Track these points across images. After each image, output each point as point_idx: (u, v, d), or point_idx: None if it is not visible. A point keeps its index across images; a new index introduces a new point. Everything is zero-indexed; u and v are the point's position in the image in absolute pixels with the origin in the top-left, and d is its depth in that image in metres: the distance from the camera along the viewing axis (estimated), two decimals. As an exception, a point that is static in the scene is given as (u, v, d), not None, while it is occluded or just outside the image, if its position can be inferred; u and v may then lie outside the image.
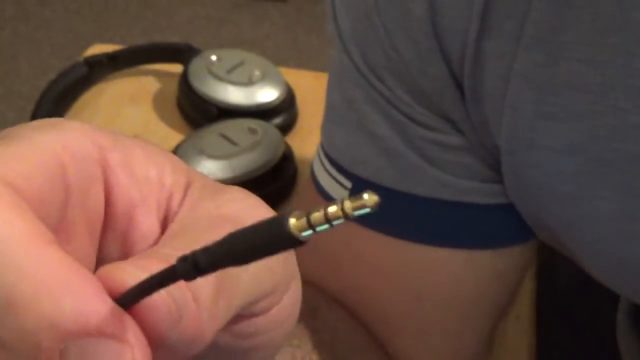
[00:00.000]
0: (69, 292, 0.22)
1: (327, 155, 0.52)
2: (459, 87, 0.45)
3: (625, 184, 0.43)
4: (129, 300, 0.23)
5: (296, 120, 0.80)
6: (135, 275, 0.23)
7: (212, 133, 0.72)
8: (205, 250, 0.21)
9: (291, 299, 0.28)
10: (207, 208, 0.26)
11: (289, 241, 0.20)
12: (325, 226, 0.20)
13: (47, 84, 0.81)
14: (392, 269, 0.52)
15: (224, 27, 2.28)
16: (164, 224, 0.27)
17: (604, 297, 0.58)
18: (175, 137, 0.76)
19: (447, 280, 0.52)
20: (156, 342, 0.23)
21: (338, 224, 0.20)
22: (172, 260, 0.22)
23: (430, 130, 0.48)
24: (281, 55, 2.15)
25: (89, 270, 0.23)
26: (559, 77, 0.42)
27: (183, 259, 0.21)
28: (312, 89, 0.81)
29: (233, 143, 0.71)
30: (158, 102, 0.82)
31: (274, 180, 0.72)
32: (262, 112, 0.77)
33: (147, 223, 0.27)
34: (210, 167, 0.69)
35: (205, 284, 0.24)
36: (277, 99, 0.78)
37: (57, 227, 0.25)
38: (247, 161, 0.70)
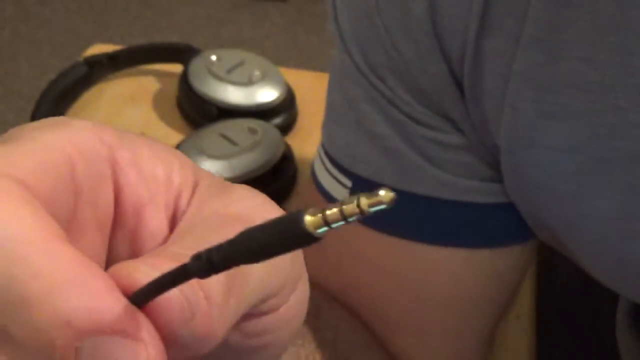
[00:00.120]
0: (83, 290, 0.22)
1: (327, 155, 0.52)
2: (459, 86, 0.46)
3: (625, 183, 0.43)
4: (142, 298, 0.23)
5: (296, 120, 0.80)
6: (147, 273, 0.23)
7: (212, 133, 0.72)
8: (219, 248, 0.21)
9: (298, 298, 0.28)
10: (215, 206, 0.26)
11: (305, 238, 0.20)
12: (341, 222, 0.20)
13: (47, 84, 0.81)
14: (392, 268, 0.52)
15: (224, 27, 2.28)
16: (173, 223, 0.27)
17: (603, 297, 0.58)
18: (175, 137, 0.76)
19: (447, 279, 0.52)
20: (169, 340, 0.23)
21: (354, 220, 0.20)
22: (182, 259, 0.22)
23: (431, 129, 0.48)
24: (281, 55, 2.15)
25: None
26: (559, 76, 0.42)
27: (197, 257, 0.21)
28: (312, 89, 0.81)
29: (233, 143, 0.71)
30: (158, 102, 0.82)
31: (274, 180, 0.72)
32: (262, 112, 0.77)
33: (155, 221, 0.27)
34: (210, 167, 0.69)
35: (216, 282, 0.24)
36: (277, 99, 0.78)
37: (68, 226, 0.25)
38: (247, 161, 0.70)
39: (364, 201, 0.20)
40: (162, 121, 0.80)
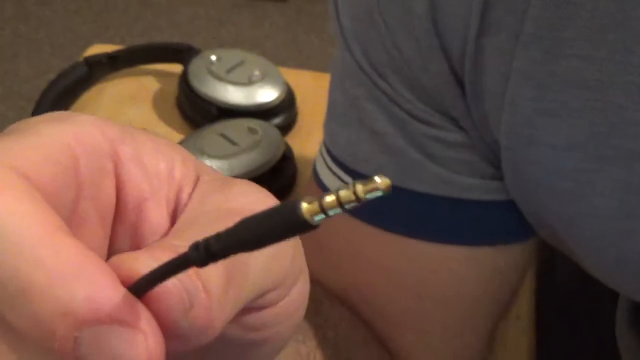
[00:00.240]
0: (83, 280, 0.22)
1: (329, 153, 0.52)
2: (460, 84, 0.46)
3: (624, 181, 0.43)
4: (141, 288, 0.23)
5: (296, 120, 0.80)
6: (147, 264, 0.23)
7: (212, 133, 0.72)
8: (218, 236, 0.21)
9: (299, 292, 0.29)
10: (216, 201, 0.27)
11: (302, 225, 0.20)
12: (338, 210, 0.20)
13: (47, 84, 0.81)
14: (392, 266, 0.52)
15: (224, 27, 2.28)
16: (174, 217, 0.27)
17: (603, 297, 0.58)
18: (175, 137, 0.76)
19: (447, 277, 0.52)
20: (168, 330, 0.23)
21: (350, 208, 0.20)
22: (182, 251, 0.22)
23: (432, 127, 0.48)
24: (281, 55, 2.15)
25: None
26: (558, 74, 0.42)
27: (195, 246, 0.21)
28: (312, 89, 0.81)
29: (233, 143, 0.71)
30: (158, 102, 0.82)
31: (274, 180, 0.72)
32: (262, 112, 0.77)
33: (157, 216, 0.27)
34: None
35: (215, 274, 0.24)
36: (277, 99, 0.78)
37: (69, 219, 0.26)
38: (247, 161, 0.70)
39: (360, 188, 0.20)
40: (162, 121, 0.80)
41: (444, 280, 0.52)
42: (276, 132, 0.74)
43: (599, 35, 0.41)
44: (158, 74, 0.84)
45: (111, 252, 0.27)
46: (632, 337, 0.57)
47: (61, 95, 0.80)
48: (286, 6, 2.36)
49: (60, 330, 0.22)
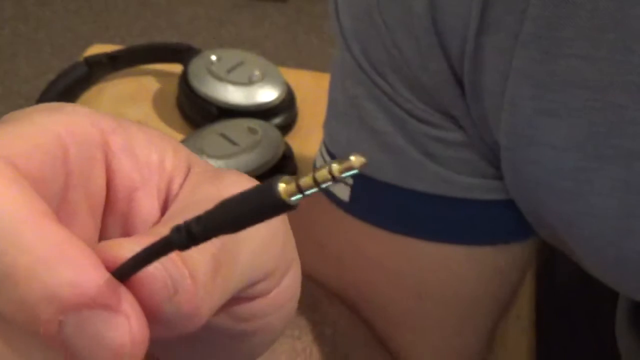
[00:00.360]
0: (67, 265, 0.22)
1: (329, 152, 0.53)
2: (459, 83, 0.46)
3: (624, 181, 0.43)
4: (125, 273, 0.23)
5: (296, 120, 0.81)
6: (131, 249, 0.23)
7: (212, 133, 0.72)
8: (198, 219, 0.21)
9: (290, 282, 0.29)
10: (207, 191, 0.27)
11: (279, 206, 0.20)
12: (314, 189, 0.20)
13: (47, 84, 0.81)
14: (392, 265, 0.52)
15: (224, 27, 2.28)
16: (165, 207, 0.27)
17: (603, 297, 0.58)
18: (175, 137, 0.76)
19: (447, 276, 0.52)
20: (152, 315, 0.23)
21: (327, 187, 0.20)
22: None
23: (431, 127, 0.48)
24: (281, 55, 2.15)
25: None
26: (558, 74, 0.42)
27: (177, 229, 0.22)
28: (312, 89, 0.81)
29: (233, 143, 0.71)
30: (158, 102, 0.82)
31: (274, 180, 0.72)
32: (262, 112, 0.77)
33: (147, 206, 0.27)
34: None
35: (202, 261, 0.24)
36: (277, 99, 0.78)
37: (59, 207, 0.26)
38: (247, 161, 0.70)
39: (336, 167, 0.20)
40: (162, 121, 0.80)
41: (443, 280, 0.52)
42: (276, 132, 0.74)
43: (599, 34, 0.41)
44: (158, 74, 0.84)
45: (102, 241, 0.28)
46: (632, 337, 0.57)
47: (61, 95, 0.80)
48: (286, 6, 2.36)
49: (45, 314, 0.22)
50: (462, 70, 0.45)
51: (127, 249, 0.23)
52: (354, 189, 0.51)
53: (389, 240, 0.51)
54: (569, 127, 0.43)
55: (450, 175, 0.49)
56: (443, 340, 0.55)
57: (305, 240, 0.55)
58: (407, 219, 0.51)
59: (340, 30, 0.49)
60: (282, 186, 0.20)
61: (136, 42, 0.90)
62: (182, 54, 0.82)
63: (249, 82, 0.78)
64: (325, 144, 0.53)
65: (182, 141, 0.72)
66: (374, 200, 0.51)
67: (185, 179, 0.27)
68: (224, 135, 0.72)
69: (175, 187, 0.27)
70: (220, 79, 0.78)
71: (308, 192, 0.20)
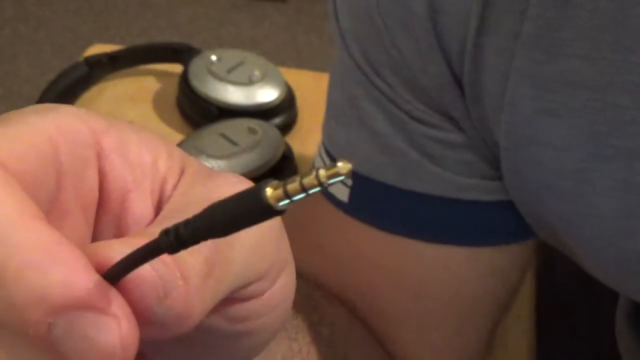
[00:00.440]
0: (56, 266, 0.22)
1: (328, 153, 0.53)
2: (459, 84, 0.46)
3: (624, 181, 0.43)
4: (115, 275, 0.23)
5: (296, 120, 0.80)
6: (121, 251, 0.23)
7: (212, 133, 0.72)
8: (187, 222, 0.22)
9: (284, 283, 0.28)
10: (199, 192, 0.27)
11: (267, 211, 0.20)
12: (302, 195, 0.20)
13: (47, 84, 0.81)
14: (392, 265, 0.52)
15: (224, 27, 2.28)
16: (158, 209, 0.27)
17: (603, 297, 0.58)
18: (175, 137, 0.76)
19: (447, 277, 0.52)
20: (143, 317, 0.23)
21: (314, 192, 0.20)
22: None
23: (431, 128, 0.48)
24: (281, 55, 2.15)
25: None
26: (558, 74, 0.42)
27: (165, 232, 0.22)
28: (312, 89, 0.81)
29: (233, 143, 0.71)
30: (158, 102, 0.82)
31: (274, 180, 0.72)
32: (262, 112, 0.77)
33: (140, 207, 0.27)
34: (210, 167, 0.69)
35: (194, 262, 0.24)
36: (277, 99, 0.78)
37: (50, 208, 0.26)
38: (247, 161, 0.70)
39: (323, 173, 0.20)
40: (162, 121, 0.80)
41: (443, 281, 0.52)
42: (276, 132, 0.74)
43: (599, 35, 0.41)
44: (158, 74, 0.84)
45: (92, 242, 0.27)
46: (632, 337, 0.57)
47: (61, 95, 0.80)
48: (286, 6, 2.36)
49: (34, 316, 0.22)
50: (462, 71, 0.45)
51: (117, 250, 0.23)
52: (353, 190, 0.51)
53: (388, 241, 0.51)
54: (569, 128, 0.43)
55: (449, 176, 0.49)
56: (442, 341, 0.55)
57: (304, 241, 0.55)
58: (406, 219, 0.51)
59: (339, 31, 0.49)
60: (269, 191, 0.20)
61: (136, 42, 0.90)
62: (182, 54, 0.82)
63: (249, 82, 0.78)
64: (324, 144, 0.53)
65: (182, 141, 0.72)
66: (373, 201, 0.51)
67: (179, 180, 0.27)
68: (224, 135, 0.72)
69: (168, 188, 0.27)
70: (220, 79, 0.78)
71: (295, 198, 0.20)
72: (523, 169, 0.46)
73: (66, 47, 2.16)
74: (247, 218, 0.21)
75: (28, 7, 2.30)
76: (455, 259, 0.51)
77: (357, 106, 0.50)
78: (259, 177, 0.70)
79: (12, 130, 0.25)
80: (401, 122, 0.48)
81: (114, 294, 0.23)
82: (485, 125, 0.46)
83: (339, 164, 0.20)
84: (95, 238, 0.27)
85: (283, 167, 0.72)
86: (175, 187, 0.27)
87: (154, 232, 0.23)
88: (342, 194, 0.52)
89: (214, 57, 0.79)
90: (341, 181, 0.20)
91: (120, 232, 0.27)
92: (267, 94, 0.78)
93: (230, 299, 0.26)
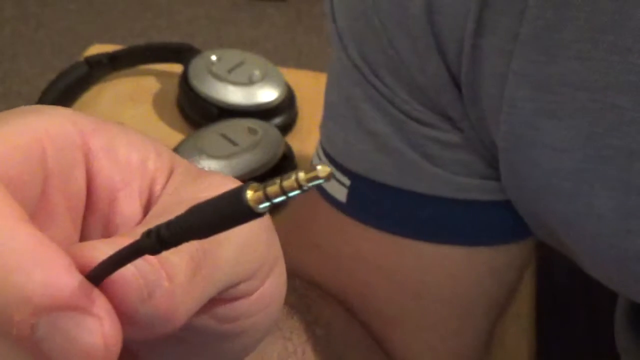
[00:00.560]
0: (39, 267, 0.22)
1: (326, 153, 0.53)
2: (457, 84, 0.46)
3: (622, 181, 0.43)
4: (99, 275, 0.23)
5: (296, 120, 0.81)
6: (105, 252, 0.23)
7: (212, 133, 0.72)
8: (169, 223, 0.22)
9: (275, 282, 0.28)
10: (188, 192, 0.27)
11: (247, 214, 0.21)
12: (282, 197, 0.20)
13: (47, 84, 0.81)
14: (390, 266, 0.52)
15: (224, 27, 2.28)
16: (147, 209, 0.27)
17: (602, 297, 0.58)
18: (175, 137, 0.76)
19: (445, 277, 0.52)
20: (127, 318, 0.23)
21: (294, 196, 0.21)
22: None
23: (429, 128, 0.48)
24: (281, 55, 2.15)
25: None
26: (556, 75, 0.42)
27: (147, 233, 0.22)
28: (312, 89, 0.81)
29: (233, 143, 0.71)
30: (158, 102, 0.82)
31: (274, 180, 0.72)
32: (262, 112, 0.77)
33: (129, 207, 0.27)
34: (210, 167, 0.69)
35: (180, 262, 0.24)
36: (277, 99, 0.78)
37: (37, 209, 0.26)
38: (247, 161, 0.70)
39: (302, 176, 0.20)
40: (162, 121, 0.80)
41: (441, 280, 0.52)
42: (276, 132, 0.74)
43: (597, 35, 0.41)
44: (158, 74, 0.84)
45: (77, 243, 0.27)
46: (630, 337, 0.57)
47: (61, 95, 0.80)
48: (286, 6, 2.36)
49: (18, 317, 0.22)
50: (460, 72, 0.45)
51: (100, 251, 0.23)
52: (350, 189, 0.51)
53: (386, 241, 0.51)
54: (568, 128, 0.43)
55: (447, 176, 0.49)
56: (440, 341, 0.55)
57: (302, 241, 0.55)
58: (404, 219, 0.51)
59: (337, 31, 0.49)
60: (249, 194, 0.21)
61: (136, 42, 0.90)
62: (182, 54, 0.82)
63: (249, 82, 0.78)
64: (321, 145, 0.53)
65: (182, 141, 0.73)
66: (371, 201, 0.51)
67: (167, 180, 0.27)
68: (224, 136, 0.72)
69: (157, 188, 0.27)
70: (220, 79, 0.78)
71: (276, 201, 0.20)
72: (521, 169, 0.46)
73: (66, 47, 2.16)
74: (228, 220, 0.21)
75: (28, 7, 2.30)
76: (453, 258, 0.51)
77: (354, 106, 0.50)
78: (259, 177, 0.70)
79: None
80: (399, 122, 0.48)
81: (96, 294, 0.23)
82: (483, 126, 0.46)
83: (319, 167, 0.20)
84: (83, 238, 0.27)
85: (283, 167, 0.72)
86: (164, 187, 0.27)
87: (140, 233, 0.23)
88: (340, 194, 0.52)
89: (214, 57, 0.79)
90: (321, 184, 0.20)
91: (109, 233, 0.27)
92: (267, 94, 0.78)
93: (219, 299, 0.26)
